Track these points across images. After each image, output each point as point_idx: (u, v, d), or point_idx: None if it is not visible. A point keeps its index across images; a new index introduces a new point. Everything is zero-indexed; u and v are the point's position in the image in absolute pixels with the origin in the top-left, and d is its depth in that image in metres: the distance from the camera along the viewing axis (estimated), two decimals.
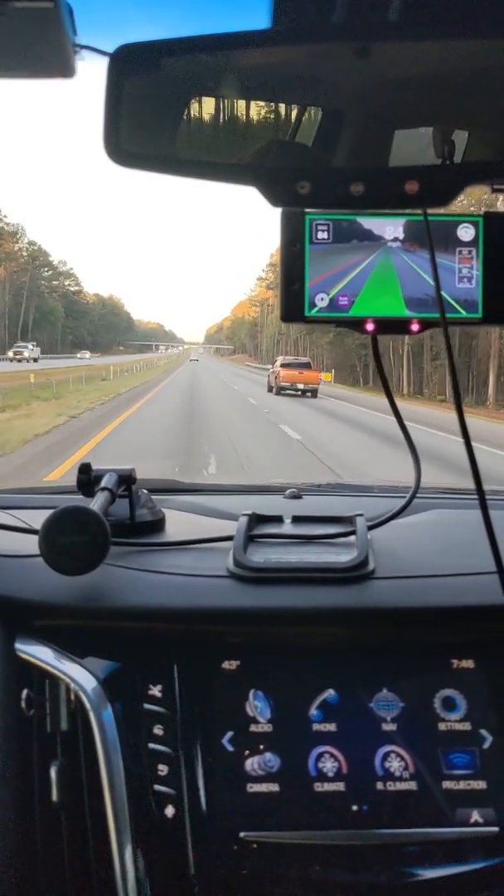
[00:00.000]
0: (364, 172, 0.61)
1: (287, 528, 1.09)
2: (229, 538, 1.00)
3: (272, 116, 0.67)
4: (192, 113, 0.64)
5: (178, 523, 1.13)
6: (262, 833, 0.82)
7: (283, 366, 27.27)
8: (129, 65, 0.59)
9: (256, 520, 1.08)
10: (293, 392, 25.96)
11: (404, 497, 1.12)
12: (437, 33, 0.59)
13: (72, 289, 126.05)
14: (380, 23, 0.60)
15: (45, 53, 0.61)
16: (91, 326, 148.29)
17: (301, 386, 25.98)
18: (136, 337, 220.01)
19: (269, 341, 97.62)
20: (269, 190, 0.60)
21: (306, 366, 28.58)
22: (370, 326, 0.90)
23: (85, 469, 1.02)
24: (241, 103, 0.66)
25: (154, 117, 0.62)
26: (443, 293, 0.87)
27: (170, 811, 0.82)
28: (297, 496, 1.33)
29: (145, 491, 1.11)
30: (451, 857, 0.82)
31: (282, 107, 0.68)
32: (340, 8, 0.62)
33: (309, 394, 26.16)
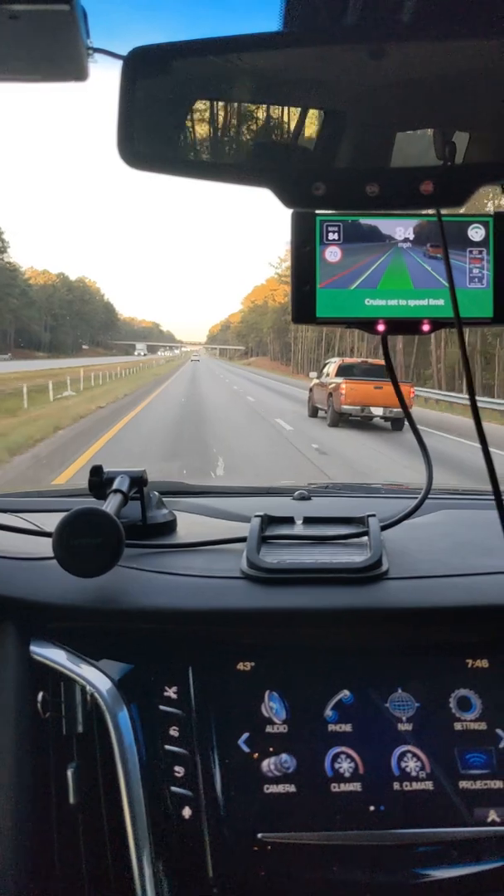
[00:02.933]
0: (379, 173, 0.61)
1: (299, 529, 1.09)
2: (242, 539, 1.00)
3: (284, 118, 0.67)
4: (204, 115, 0.64)
5: (189, 525, 1.13)
6: (279, 834, 0.82)
7: (345, 374, 14.80)
8: (142, 67, 0.59)
9: (268, 521, 1.08)
10: (362, 419, 14.44)
11: (411, 498, 1.12)
12: (448, 34, 0.59)
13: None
14: (391, 24, 0.61)
15: (60, 57, 0.61)
16: (48, 318, 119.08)
17: (379, 411, 14.15)
18: (123, 336, 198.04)
19: (311, 339, 68.48)
20: (284, 191, 0.60)
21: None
22: (381, 327, 0.90)
23: (97, 471, 1.02)
24: (253, 105, 0.66)
25: (167, 120, 0.62)
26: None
27: (187, 812, 0.82)
28: (305, 497, 1.33)
29: (156, 493, 1.11)
30: (468, 856, 0.82)
31: (293, 108, 0.68)
32: (352, 10, 0.62)
33: (390, 423, 14.64)
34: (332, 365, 16.12)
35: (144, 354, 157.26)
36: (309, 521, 1.11)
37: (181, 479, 1.56)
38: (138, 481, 1.03)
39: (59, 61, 0.62)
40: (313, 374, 18.23)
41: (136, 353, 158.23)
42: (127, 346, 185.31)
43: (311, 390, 17.63)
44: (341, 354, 43.35)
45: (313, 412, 17.14)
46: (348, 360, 17.20)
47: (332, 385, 14.92)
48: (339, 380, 14.67)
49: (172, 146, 0.63)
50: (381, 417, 14.50)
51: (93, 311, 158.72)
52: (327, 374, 15.82)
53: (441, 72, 0.62)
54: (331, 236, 0.89)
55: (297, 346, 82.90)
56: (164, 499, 1.13)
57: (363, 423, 14.69)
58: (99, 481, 1.02)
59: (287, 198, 0.61)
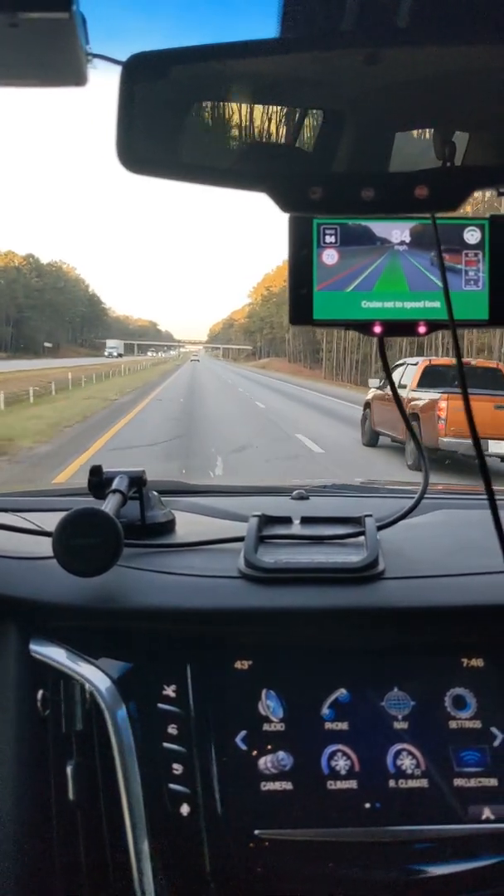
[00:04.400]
0: (374, 177, 0.62)
1: (296, 528, 1.10)
2: (240, 539, 1.01)
3: (280, 122, 0.68)
4: (202, 120, 0.65)
5: (188, 524, 1.14)
6: (276, 831, 0.82)
7: (437, 384, 9.44)
8: (141, 73, 0.60)
9: (266, 521, 1.09)
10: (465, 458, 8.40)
11: (409, 497, 1.13)
12: (444, 38, 0.60)
13: None
14: (388, 29, 0.61)
15: (59, 63, 0.62)
16: (11, 308, 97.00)
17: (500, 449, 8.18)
18: (114, 334, 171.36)
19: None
20: (280, 196, 0.61)
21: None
22: (378, 329, 0.91)
23: (96, 471, 1.03)
24: (250, 110, 0.67)
25: (165, 125, 0.63)
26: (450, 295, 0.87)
27: (185, 809, 0.83)
28: (303, 497, 1.34)
29: (155, 493, 1.12)
30: (463, 853, 0.83)
31: (289, 113, 0.69)
32: (349, 15, 0.63)
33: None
34: (413, 368, 10.23)
35: (119, 355, 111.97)
36: (306, 520, 1.12)
37: (180, 479, 1.57)
38: (137, 481, 1.04)
39: (59, 67, 0.63)
40: (374, 383, 12.27)
41: (106, 354, 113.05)
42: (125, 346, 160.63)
43: (367, 406, 11.79)
44: (408, 353, 26.79)
45: (372, 439, 11.49)
46: (438, 360, 10.55)
47: (419, 402, 9.33)
48: (432, 394, 9.12)
49: (170, 151, 0.63)
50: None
51: (69, 303, 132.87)
52: (403, 384, 10.00)
53: (436, 75, 0.63)
54: (327, 239, 0.90)
55: (332, 345, 64.84)
56: (162, 498, 1.14)
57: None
58: (98, 481, 1.02)
59: (283, 202, 0.61)
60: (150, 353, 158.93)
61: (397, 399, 1.03)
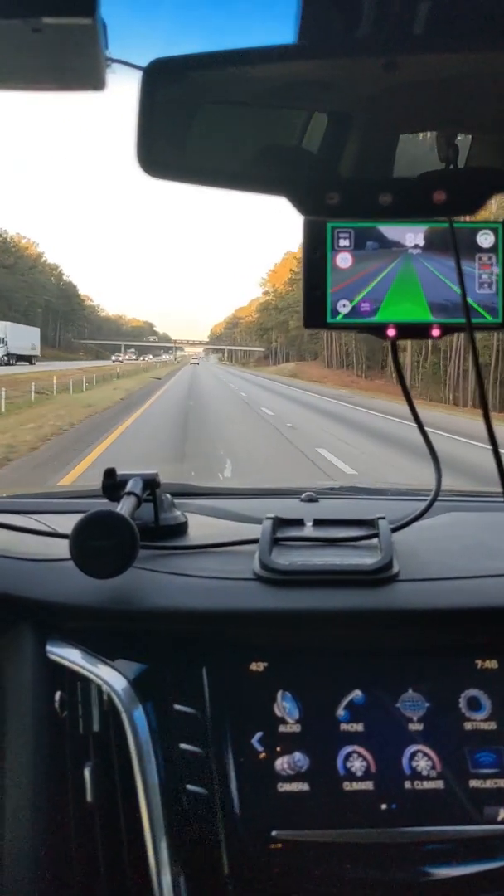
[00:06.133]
0: (391, 183, 0.63)
1: (309, 531, 1.10)
2: (254, 541, 1.01)
3: (297, 127, 0.69)
4: (220, 124, 0.65)
5: (200, 527, 1.14)
6: (293, 832, 0.83)
7: None
8: (161, 78, 0.60)
9: (278, 523, 1.09)
10: None
11: (418, 500, 1.13)
12: (461, 43, 0.60)
13: None
14: (405, 35, 0.62)
15: (79, 67, 0.63)
16: None
17: None
18: (105, 335, 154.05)
19: None
20: (299, 200, 0.62)
21: None
22: (391, 332, 0.92)
23: (110, 474, 1.04)
24: (267, 114, 0.67)
25: (185, 129, 0.63)
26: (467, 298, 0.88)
27: (203, 810, 0.83)
28: (313, 499, 1.34)
29: (168, 495, 1.12)
30: (479, 854, 0.83)
31: (307, 118, 0.70)
32: (366, 22, 0.63)
33: None
34: None
35: (8, 362, 52.26)
36: (319, 523, 1.12)
37: (189, 482, 1.57)
38: (151, 483, 1.04)
39: (79, 72, 0.63)
40: None
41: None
42: (99, 348, 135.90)
43: None
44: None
45: None
46: None
47: None
48: None
49: (190, 155, 0.64)
50: None
51: (27, 287, 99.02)
52: None
53: (454, 80, 0.63)
54: (342, 242, 0.91)
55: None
56: (174, 500, 1.14)
57: None
58: (112, 483, 1.03)
59: (302, 207, 0.62)
60: (113, 359, 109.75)
61: (411, 405, 1.03)
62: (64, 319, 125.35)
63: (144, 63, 0.62)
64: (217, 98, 0.64)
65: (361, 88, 0.65)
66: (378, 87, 0.64)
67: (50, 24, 0.56)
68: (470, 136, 0.71)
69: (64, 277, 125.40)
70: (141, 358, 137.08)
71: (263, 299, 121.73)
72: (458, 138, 0.69)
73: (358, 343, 57.66)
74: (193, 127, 0.63)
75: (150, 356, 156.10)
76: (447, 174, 0.65)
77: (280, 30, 0.66)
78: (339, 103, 0.68)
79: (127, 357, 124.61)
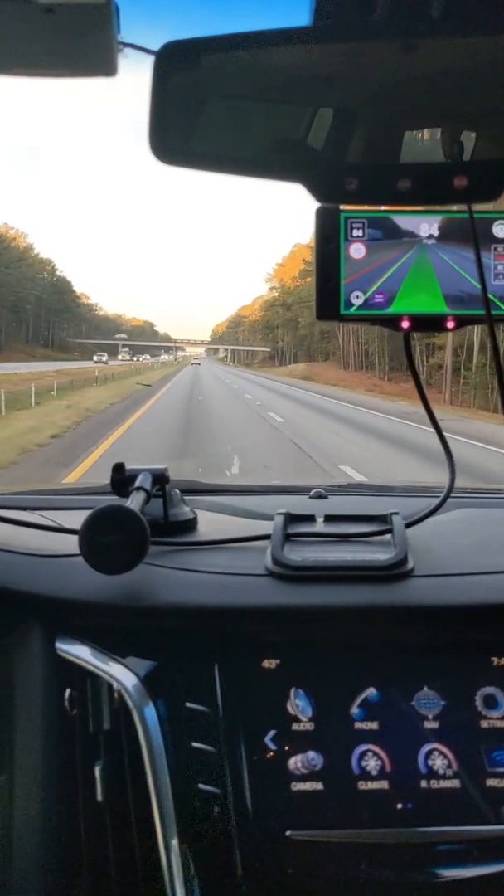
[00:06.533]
0: (411, 167, 0.61)
1: (320, 526, 1.09)
2: (265, 537, 1.00)
3: (315, 112, 0.67)
4: (234, 110, 0.64)
5: (210, 523, 1.13)
6: (307, 832, 0.81)
7: None
8: (174, 62, 0.59)
9: (290, 519, 1.08)
10: None
11: (428, 496, 1.12)
12: (478, 28, 0.59)
13: None
14: (421, 19, 0.60)
15: (92, 52, 0.61)
16: None
17: None
18: (104, 334, 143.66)
19: None
20: (316, 187, 0.60)
21: None
22: (406, 324, 0.90)
23: (119, 469, 1.03)
24: (282, 100, 0.66)
25: (198, 115, 0.62)
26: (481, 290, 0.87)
27: (215, 810, 0.82)
28: (322, 496, 1.33)
29: (178, 491, 1.11)
30: (495, 854, 0.81)
31: (324, 103, 0.68)
32: (382, 4, 0.62)
33: None
34: None
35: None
36: (330, 518, 1.11)
37: (197, 478, 1.56)
38: (160, 479, 1.03)
39: (91, 56, 0.62)
40: None
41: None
42: (96, 348, 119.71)
43: None
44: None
45: None
46: None
47: None
48: None
49: (203, 141, 0.63)
50: None
51: (14, 281, 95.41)
52: None
53: (473, 65, 0.62)
54: (355, 233, 0.89)
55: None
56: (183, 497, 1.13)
57: None
58: (121, 479, 1.02)
59: (319, 193, 0.60)
60: (96, 359, 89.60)
61: (425, 402, 1.02)
62: (57, 317, 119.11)
63: (155, 48, 0.60)
64: (231, 83, 0.62)
65: (379, 72, 0.64)
66: (395, 71, 0.63)
67: (63, 4, 0.55)
68: (492, 126, 0.70)
69: (57, 272, 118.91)
70: (135, 358, 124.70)
71: (269, 296, 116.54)
72: (481, 127, 0.68)
73: (380, 341, 48.40)
74: (207, 112, 0.62)
75: (148, 356, 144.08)
76: (468, 161, 0.64)
77: (294, 13, 0.65)
78: (356, 89, 0.66)
79: (120, 357, 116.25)
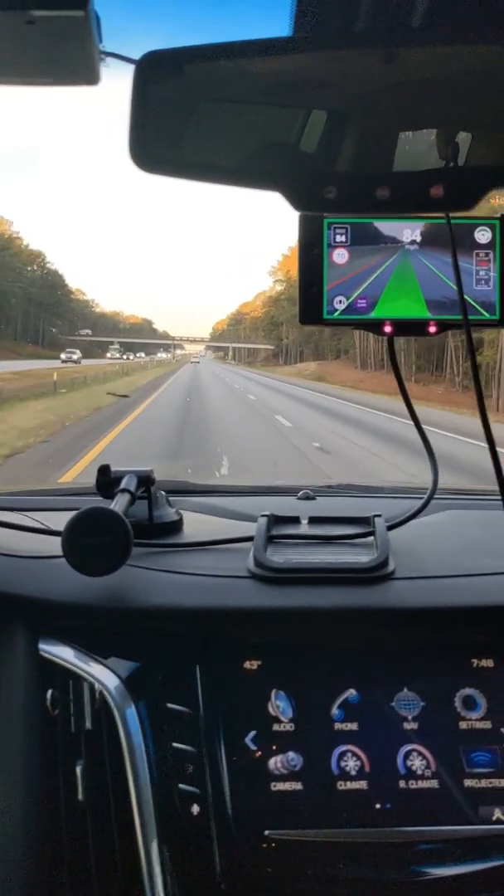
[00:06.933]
0: (389, 177, 0.62)
1: (304, 528, 1.10)
2: (249, 539, 1.01)
3: (294, 121, 0.68)
4: (214, 119, 0.65)
5: (195, 524, 1.13)
6: (286, 831, 0.82)
7: None
8: (154, 72, 0.60)
9: (274, 520, 1.09)
10: None
11: (415, 498, 1.13)
12: (459, 36, 0.60)
13: None
14: (403, 29, 0.61)
15: (73, 61, 0.62)
16: None
17: None
18: (101, 331, 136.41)
19: None
20: (294, 195, 0.61)
21: None
22: (388, 328, 0.91)
23: (104, 471, 1.03)
24: (262, 109, 0.67)
25: (178, 123, 0.63)
26: (465, 295, 0.88)
27: (195, 809, 0.83)
28: (310, 497, 1.34)
29: (163, 492, 1.12)
30: (473, 854, 0.82)
31: (303, 112, 0.69)
32: (363, 14, 0.62)
33: None
34: None
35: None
36: (314, 520, 1.11)
37: (186, 479, 1.57)
38: (145, 480, 1.04)
39: (72, 65, 0.63)
40: None
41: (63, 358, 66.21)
42: (91, 345, 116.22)
43: None
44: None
45: None
46: None
47: None
48: None
49: (183, 150, 0.63)
50: None
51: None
52: None
53: (451, 73, 0.63)
54: (338, 238, 0.90)
55: None
56: (169, 498, 1.14)
57: None
58: (106, 481, 1.02)
59: (297, 201, 0.61)
60: (64, 357, 69.58)
61: (408, 403, 1.02)
62: (48, 312, 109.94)
63: (138, 57, 0.61)
64: (211, 92, 0.63)
65: (359, 83, 0.64)
66: (376, 81, 0.64)
67: (43, 17, 0.55)
68: (470, 135, 0.71)
69: (48, 265, 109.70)
70: (125, 356, 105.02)
71: (273, 291, 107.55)
72: (459, 136, 0.69)
73: (407, 339, 44.87)
74: (187, 121, 0.63)
75: (143, 354, 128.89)
76: (445, 170, 0.65)
77: (276, 23, 0.66)
78: (337, 98, 0.67)
79: (109, 356, 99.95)
